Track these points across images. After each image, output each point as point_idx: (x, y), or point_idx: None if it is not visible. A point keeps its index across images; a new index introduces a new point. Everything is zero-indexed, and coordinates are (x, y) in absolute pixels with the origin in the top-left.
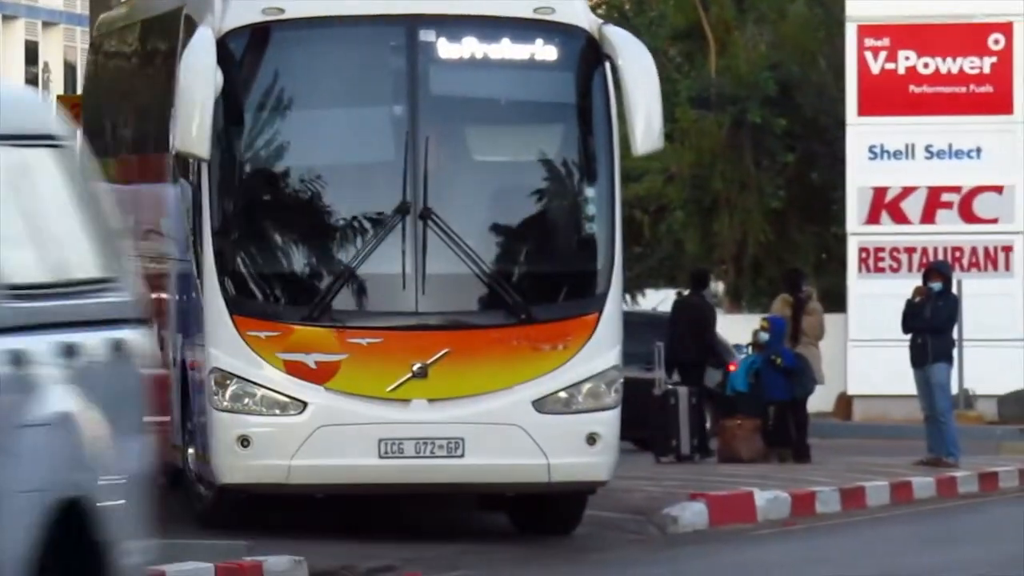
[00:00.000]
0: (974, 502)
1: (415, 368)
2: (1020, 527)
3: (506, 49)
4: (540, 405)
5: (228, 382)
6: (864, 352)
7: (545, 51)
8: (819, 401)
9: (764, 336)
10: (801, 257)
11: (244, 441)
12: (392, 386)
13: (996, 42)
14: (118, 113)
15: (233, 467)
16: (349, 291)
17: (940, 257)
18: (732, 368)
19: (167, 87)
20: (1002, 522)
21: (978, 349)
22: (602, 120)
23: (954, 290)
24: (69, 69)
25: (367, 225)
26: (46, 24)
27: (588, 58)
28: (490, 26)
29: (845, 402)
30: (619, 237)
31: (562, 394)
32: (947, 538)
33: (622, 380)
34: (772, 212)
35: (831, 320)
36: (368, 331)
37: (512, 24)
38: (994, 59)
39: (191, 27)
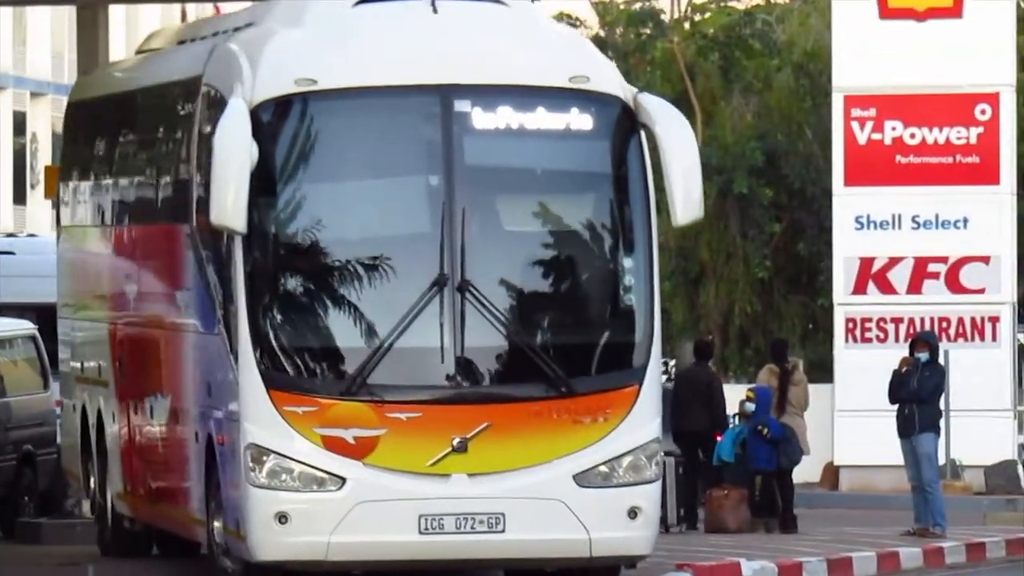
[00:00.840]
0: (961, 573)
1: (455, 442)
2: None
3: (541, 119)
4: (581, 479)
5: (265, 458)
6: (851, 422)
7: (581, 120)
8: (805, 471)
9: (750, 406)
10: (787, 327)
11: (282, 518)
12: (432, 461)
13: (983, 112)
14: (113, 183)
15: (270, 544)
16: (387, 365)
17: (927, 327)
18: (719, 438)
19: (181, 157)
20: None
21: (965, 419)
22: (638, 189)
23: (941, 360)
24: (57, 139)
25: (404, 298)
26: (34, 94)
27: (624, 127)
28: (525, 95)
29: (832, 472)
30: (657, 307)
31: (603, 468)
32: None
33: (662, 453)
34: (758, 282)
35: (818, 390)
36: (407, 405)
37: (547, 93)
38: (981, 129)
39: (212, 96)
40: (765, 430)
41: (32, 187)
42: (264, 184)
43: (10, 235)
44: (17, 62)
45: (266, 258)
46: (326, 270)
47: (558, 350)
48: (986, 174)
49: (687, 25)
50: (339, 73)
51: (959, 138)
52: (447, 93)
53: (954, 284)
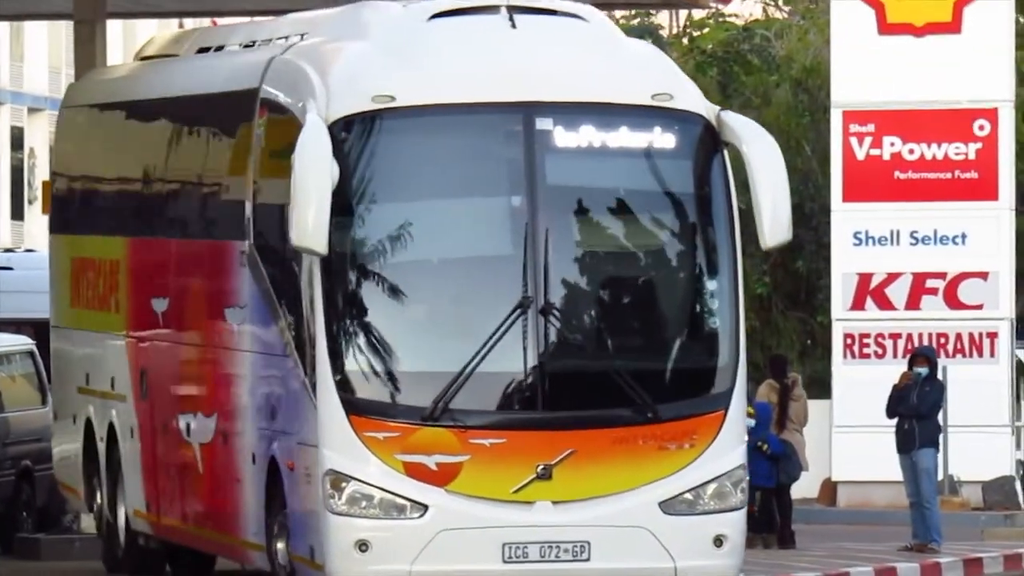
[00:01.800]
0: None
1: (539, 469)
2: None
3: (624, 137)
4: (667, 507)
5: (344, 484)
6: (849, 438)
7: (664, 139)
8: (803, 487)
9: (750, 422)
10: (786, 343)
11: (362, 545)
12: (516, 488)
13: (981, 128)
14: (135, 193)
15: (350, 573)
16: (470, 390)
17: (925, 343)
18: None
19: (235, 171)
20: None
21: (963, 435)
22: (722, 209)
23: (940, 376)
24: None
25: (487, 321)
26: (31, 110)
27: (707, 145)
28: (608, 113)
29: (830, 488)
30: (743, 331)
31: (688, 495)
32: None
33: (748, 480)
34: (757, 298)
35: (816, 406)
36: (490, 431)
37: (630, 111)
38: (979, 145)
39: (274, 110)
40: (765, 446)
41: (30, 203)
42: (342, 204)
43: (8, 250)
44: (15, 78)
45: (346, 280)
46: (407, 292)
47: (643, 375)
48: (985, 190)
49: (685, 41)
50: (417, 90)
51: (957, 154)
52: (529, 111)
53: (952, 300)
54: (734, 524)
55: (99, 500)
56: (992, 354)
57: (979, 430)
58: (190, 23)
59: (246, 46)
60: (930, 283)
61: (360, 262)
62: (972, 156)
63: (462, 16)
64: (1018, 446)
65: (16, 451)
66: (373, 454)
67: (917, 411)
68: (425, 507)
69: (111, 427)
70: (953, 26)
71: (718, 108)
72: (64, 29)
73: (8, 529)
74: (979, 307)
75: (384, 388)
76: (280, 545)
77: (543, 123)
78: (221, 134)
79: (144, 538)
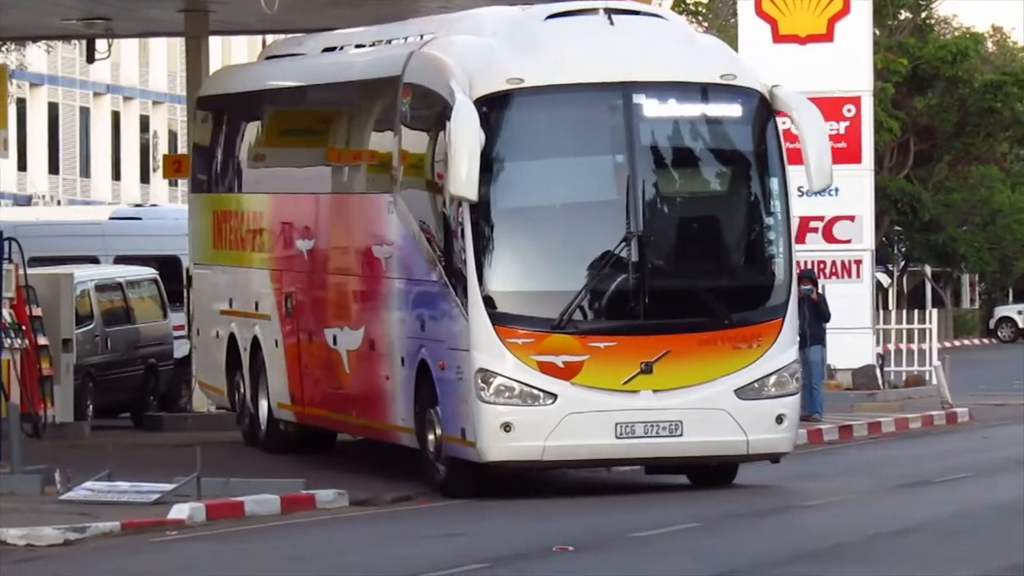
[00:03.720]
0: (835, 447)
1: (642, 365)
2: (869, 464)
3: (700, 107)
4: (740, 393)
5: (492, 379)
6: None
7: (730, 109)
8: None
9: None
10: None
11: (507, 427)
12: (625, 380)
13: (848, 111)
14: (288, 158)
15: (497, 448)
16: (588, 304)
17: (809, 267)
18: None
19: (381, 140)
20: (855, 461)
21: (838, 335)
22: (776, 164)
23: (821, 291)
24: (172, 136)
25: (599, 251)
26: (155, 103)
27: (762, 114)
28: (687, 89)
29: None
30: (794, 257)
31: (756, 384)
32: (818, 475)
33: (800, 370)
34: None
35: None
36: (605, 336)
37: (703, 88)
38: (847, 123)
39: (417, 92)
40: None
41: (153, 171)
42: (486, 162)
43: (137, 205)
44: (142, 79)
45: (489, 221)
46: (537, 230)
47: (720, 291)
48: (852, 156)
49: None
50: (541, 73)
51: (832, 130)
52: (627, 89)
53: (829, 236)
54: (791, 406)
55: (240, 395)
56: (858, 276)
57: (849, 331)
58: (271, 38)
59: (373, 44)
60: (812, 224)
61: (501, 206)
62: (842, 131)
63: (570, 16)
64: (877, 343)
65: (144, 352)
66: (513, 355)
67: (807, 318)
68: (555, 396)
69: (255, 340)
70: (827, 36)
71: (771, 85)
72: (178, 43)
73: (139, 409)
74: (848, 241)
75: (521, 304)
76: (432, 435)
77: (638, 98)
78: (366, 111)
79: (284, 424)
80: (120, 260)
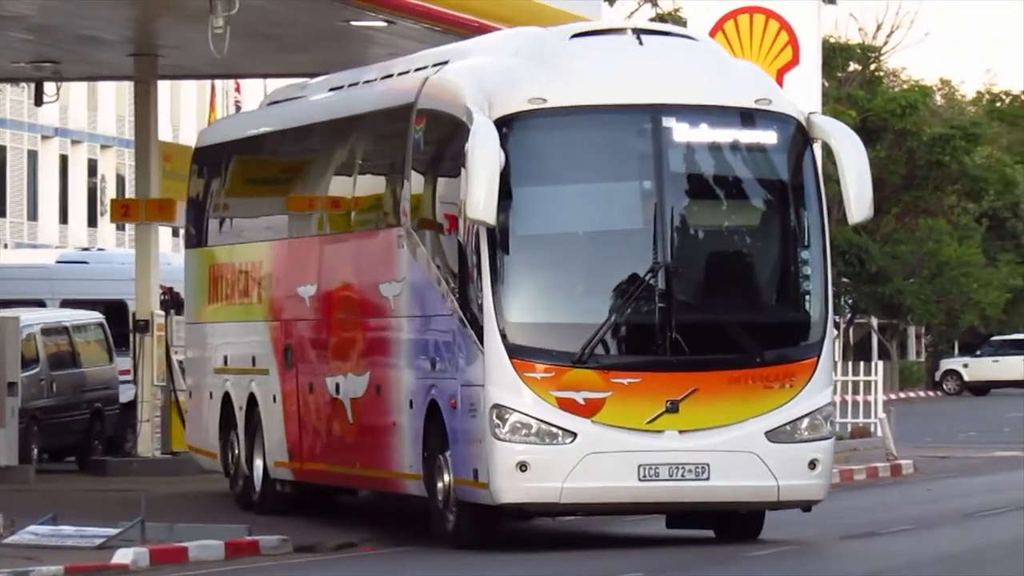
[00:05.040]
0: None
1: (668, 404)
2: (815, 515)
3: (734, 133)
4: (771, 436)
5: (507, 416)
6: None
7: (765, 135)
8: None
9: None
10: None
11: (523, 466)
12: (649, 419)
13: None
14: (288, 201)
15: (512, 489)
16: (611, 338)
17: None
18: None
19: (390, 171)
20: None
21: None
22: (813, 193)
23: None
24: (120, 180)
25: (624, 282)
26: (103, 146)
27: (799, 142)
28: (719, 114)
29: None
30: (831, 292)
31: (788, 426)
32: (764, 524)
33: (835, 413)
34: None
35: None
36: (628, 372)
37: (737, 112)
38: None
39: (430, 118)
40: None
41: (101, 215)
42: (505, 186)
43: (85, 249)
44: (90, 122)
45: (508, 249)
46: (558, 259)
47: (752, 327)
48: None
49: None
50: (565, 93)
51: None
52: (656, 112)
53: None
54: (825, 450)
55: (234, 456)
56: None
57: None
58: (220, 83)
59: (384, 78)
60: None
61: (520, 233)
62: None
63: (598, 36)
64: None
65: (90, 396)
66: (531, 391)
67: None
68: (575, 434)
69: (251, 397)
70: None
71: (806, 112)
72: (127, 87)
73: (84, 453)
74: None
75: (540, 336)
76: (442, 475)
77: (667, 121)
78: (376, 144)
79: (281, 484)
80: (67, 304)
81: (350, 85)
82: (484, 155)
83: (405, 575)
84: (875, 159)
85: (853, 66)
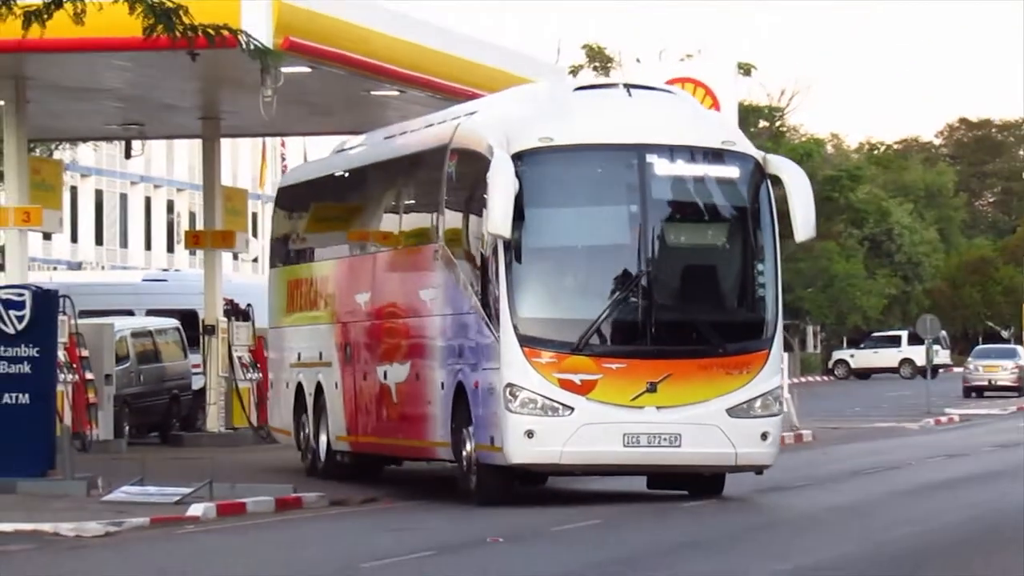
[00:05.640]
0: None
1: (648, 385)
2: (732, 476)
3: (704, 168)
4: (731, 412)
5: (518, 393)
6: None
7: (730, 170)
8: None
9: None
10: None
11: (529, 433)
12: (632, 397)
13: None
14: (352, 226)
15: (521, 451)
16: (603, 331)
17: None
18: None
19: (430, 201)
20: None
21: None
22: (768, 218)
23: None
24: (192, 216)
25: (614, 286)
26: (179, 189)
27: (757, 176)
28: (692, 152)
29: None
30: (780, 298)
31: (745, 405)
32: None
33: (782, 394)
34: None
35: None
36: (616, 359)
37: (707, 151)
38: None
39: (462, 155)
40: None
41: (177, 243)
42: (518, 207)
43: (164, 270)
44: (168, 170)
45: (521, 258)
46: (561, 267)
47: (717, 324)
48: None
49: None
50: (569, 134)
51: None
52: (641, 150)
53: None
54: (774, 425)
55: (305, 434)
56: None
57: None
58: (268, 140)
59: (427, 127)
60: None
61: (531, 246)
62: None
63: (595, 89)
64: None
65: (169, 384)
66: (538, 373)
67: None
68: (572, 408)
69: (318, 385)
70: None
71: (763, 153)
72: (197, 143)
73: (165, 429)
74: None
75: (546, 329)
76: (466, 444)
77: (650, 157)
78: (419, 176)
79: (341, 455)
80: (150, 313)
81: (400, 133)
82: (502, 181)
83: (408, 519)
84: (780, 196)
85: (762, 123)
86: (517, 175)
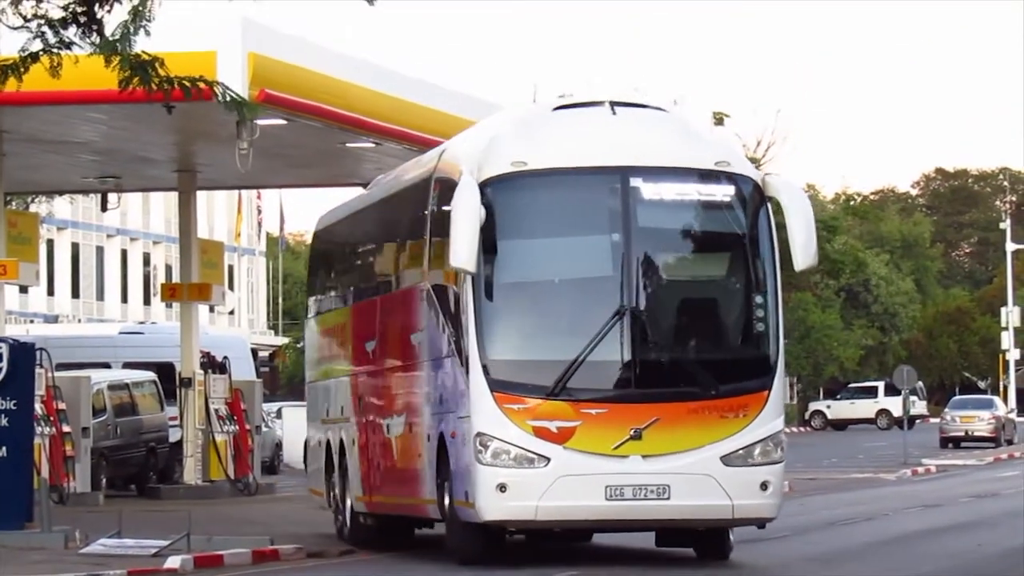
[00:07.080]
0: None
1: (632, 432)
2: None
3: (695, 191)
4: (726, 460)
5: (489, 443)
6: None
7: (724, 193)
8: None
9: None
10: None
11: (502, 487)
12: (615, 445)
13: None
14: (361, 270)
15: (494, 507)
16: (582, 373)
17: None
18: None
19: (418, 234)
20: None
21: None
22: (767, 245)
23: None
24: (168, 268)
25: (594, 323)
26: (155, 242)
27: (755, 199)
28: (682, 174)
29: None
30: (783, 332)
31: (742, 451)
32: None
33: (786, 440)
34: None
35: None
36: (597, 403)
37: (699, 173)
38: None
39: (442, 184)
40: None
41: (153, 295)
42: (488, 238)
43: (141, 323)
44: (145, 223)
45: (491, 294)
46: (535, 303)
47: (709, 363)
48: None
49: None
50: (544, 157)
51: None
52: (625, 173)
53: None
54: (776, 473)
55: (334, 495)
56: None
57: None
58: (244, 192)
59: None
60: None
61: (501, 280)
62: None
63: (577, 107)
64: None
65: (146, 437)
66: (510, 421)
67: None
68: (548, 459)
69: (341, 442)
70: None
71: (762, 173)
72: (173, 196)
73: (142, 481)
74: None
75: (518, 372)
76: (447, 500)
77: (635, 181)
78: (409, 211)
79: (363, 516)
80: (127, 365)
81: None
82: (464, 210)
83: (384, 574)
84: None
85: None
86: (487, 203)
